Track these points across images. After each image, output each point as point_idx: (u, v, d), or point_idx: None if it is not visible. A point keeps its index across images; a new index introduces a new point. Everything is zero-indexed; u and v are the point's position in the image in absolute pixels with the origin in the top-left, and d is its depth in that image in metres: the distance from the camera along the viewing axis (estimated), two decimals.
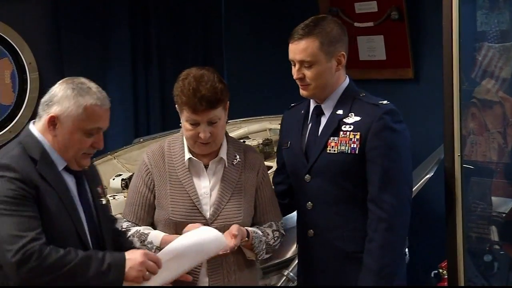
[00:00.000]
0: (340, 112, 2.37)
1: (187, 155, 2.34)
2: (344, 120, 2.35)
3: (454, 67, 2.50)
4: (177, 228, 2.28)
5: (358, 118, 2.34)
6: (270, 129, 3.72)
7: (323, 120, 2.41)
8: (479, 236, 2.67)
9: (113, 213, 2.73)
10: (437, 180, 2.90)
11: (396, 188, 2.29)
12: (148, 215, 2.35)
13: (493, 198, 2.68)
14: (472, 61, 2.63)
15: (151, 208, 2.34)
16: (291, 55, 2.36)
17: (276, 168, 2.67)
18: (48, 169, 2.03)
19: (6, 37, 3.90)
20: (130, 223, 2.35)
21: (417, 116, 3.56)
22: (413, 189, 2.54)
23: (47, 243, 1.93)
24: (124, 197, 3.04)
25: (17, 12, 3.94)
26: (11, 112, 3.95)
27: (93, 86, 2.09)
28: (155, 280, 2.06)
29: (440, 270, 3.10)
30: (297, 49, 2.33)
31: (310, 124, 2.45)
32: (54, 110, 2.04)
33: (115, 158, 3.60)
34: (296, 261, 2.66)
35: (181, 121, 2.32)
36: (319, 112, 2.42)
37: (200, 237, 2.16)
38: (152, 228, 2.36)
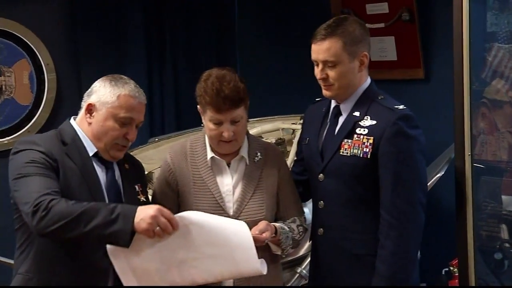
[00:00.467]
0: (356, 114, 2.36)
1: (210, 154, 2.36)
2: (360, 122, 2.34)
3: (464, 67, 2.50)
4: None
5: (373, 122, 2.31)
6: (282, 129, 3.72)
7: (341, 121, 2.40)
8: (489, 234, 2.65)
9: None
10: (447, 179, 2.92)
11: (408, 194, 2.26)
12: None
13: (503, 196, 2.65)
14: (482, 62, 2.61)
15: (176, 207, 2.34)
16: (314, 55, 2.33)
17: (295, 159, 2.66)
18: (76, 152, 2.15)
19: (24, 39, 3.96)
20: None
21: (428, 115, 3.54)
22: None
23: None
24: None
25: (35, 14, 4.00)
26: (29, 112, 4.01)
27: (131, 82, 2.22)
28: (169, 253, 2.03)
29: (451, 268, 3.12)
30: (320, 49, 2.30)
31: (328, 124, 2.43)
32: (92, 98, 2.19)
33: None
34: (309, 259, 2.66)
35: (203, 121, 2.34)
36: (337, 112, 2.41)
37: (227, 223, 2.14)
38: None
